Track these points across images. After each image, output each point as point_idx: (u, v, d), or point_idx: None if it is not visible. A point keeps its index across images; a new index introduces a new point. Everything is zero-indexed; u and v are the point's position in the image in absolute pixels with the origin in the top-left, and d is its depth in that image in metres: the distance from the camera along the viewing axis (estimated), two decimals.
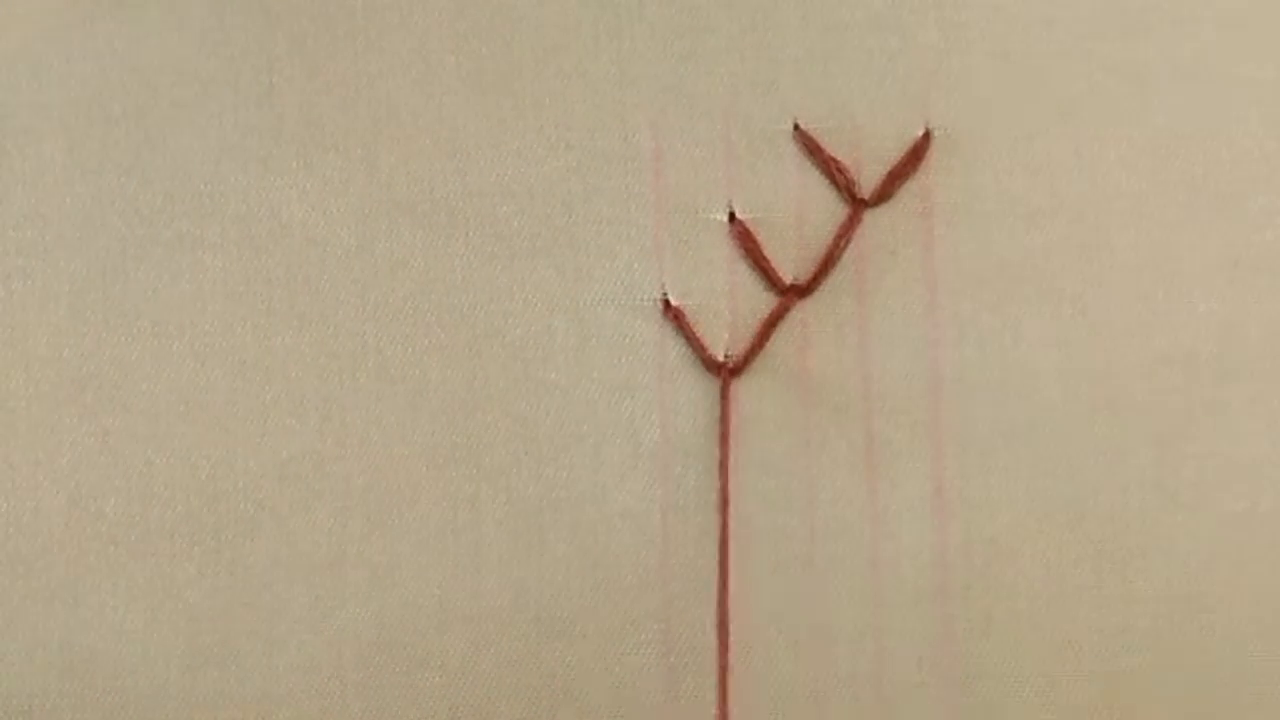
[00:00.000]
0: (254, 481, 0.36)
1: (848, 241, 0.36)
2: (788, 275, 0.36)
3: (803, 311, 0.36)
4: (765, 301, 0.36)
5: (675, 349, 0.36)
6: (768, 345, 0.36)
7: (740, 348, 0.36)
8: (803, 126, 0.37)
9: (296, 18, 0.37)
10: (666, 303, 0.36)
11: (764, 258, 0.36)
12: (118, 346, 0.37)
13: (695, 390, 0.36)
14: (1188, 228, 0.37)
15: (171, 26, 0.37)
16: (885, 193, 0.36)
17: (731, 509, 0.36)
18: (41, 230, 0.37)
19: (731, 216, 0.37)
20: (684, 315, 0.36)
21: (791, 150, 0.37)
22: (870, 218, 0.37)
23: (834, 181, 0.36)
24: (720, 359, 0.36)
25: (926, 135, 0.36)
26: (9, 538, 0.36)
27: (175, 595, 0.36)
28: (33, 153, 0.37)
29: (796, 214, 0.37)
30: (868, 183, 0.36)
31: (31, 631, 0.36)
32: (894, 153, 0.36)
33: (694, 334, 0.36)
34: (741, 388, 0.36)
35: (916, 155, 0.36)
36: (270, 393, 0.36)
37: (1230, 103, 0.37)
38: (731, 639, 0.36)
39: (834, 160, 0.36)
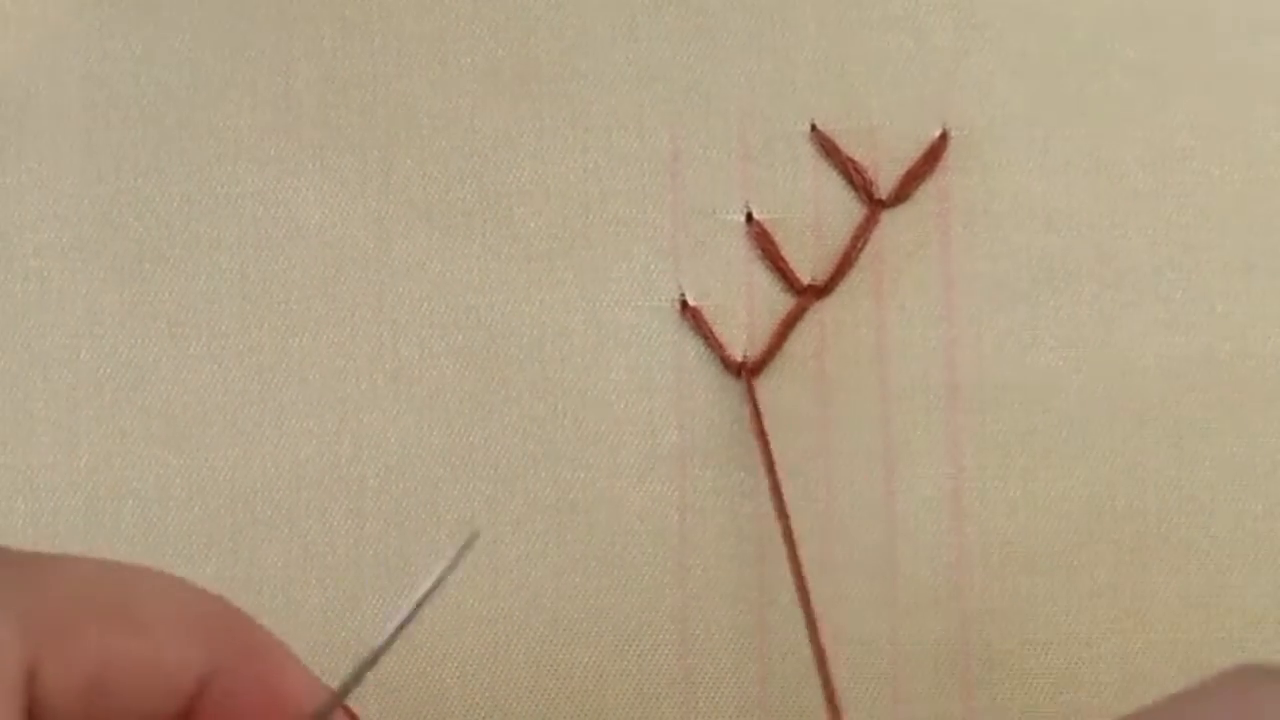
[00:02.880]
0: (270, 483, 0.36)
1: (865, 242, 0.36)
2: (805, 276, 0.36)
3: (820, 312, 0.36)
4: (783, 302, 0.36)
5: (693, 349, 0.36)
6: (785, 346, 0.36)
7: (758, 348, 0.36)
8: (820, 127, 0.37)
9: (313, 21, 0.37)
10: (684, 303, 0.36)
11: (781, 258, 0.36)
12: (135, 348, 0.37)
13: (713, 391, 0.36)
14: (1204, 229, 0.37)
15: (188, 29, 0.37)
16: (903, 193, 0.36)
17: (751, 508, 0.36)
18: (59, 232, 0.37)
19: (749, 217, 0.37)
20: (702, 316, 0.36)
21: (809, 151, 0.37)
22: (888, 218, 0.36)
23: (851, 182, 0.36)
24: (738, 359, 0.36)
25: (943, 136, 0.37)
26: (27, 539, 0.36)
27: None
28: (50, 155, 0.37)
29: (814, 215, 0.37)
30: (885, 183, 0.36)
31: None
32: (911, 153, 0.36)
33: (712, 334, 0.36)
34: (759, 388, 0.36)
35: (934, 156, 0.36)
36: (287, 394, 0.36)
37: (1247, 103, 0.37)
38: (753, 638, 0.36)
39: (851, 161, 0.36)
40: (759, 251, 0.37)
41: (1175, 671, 0.35)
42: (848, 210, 0.37)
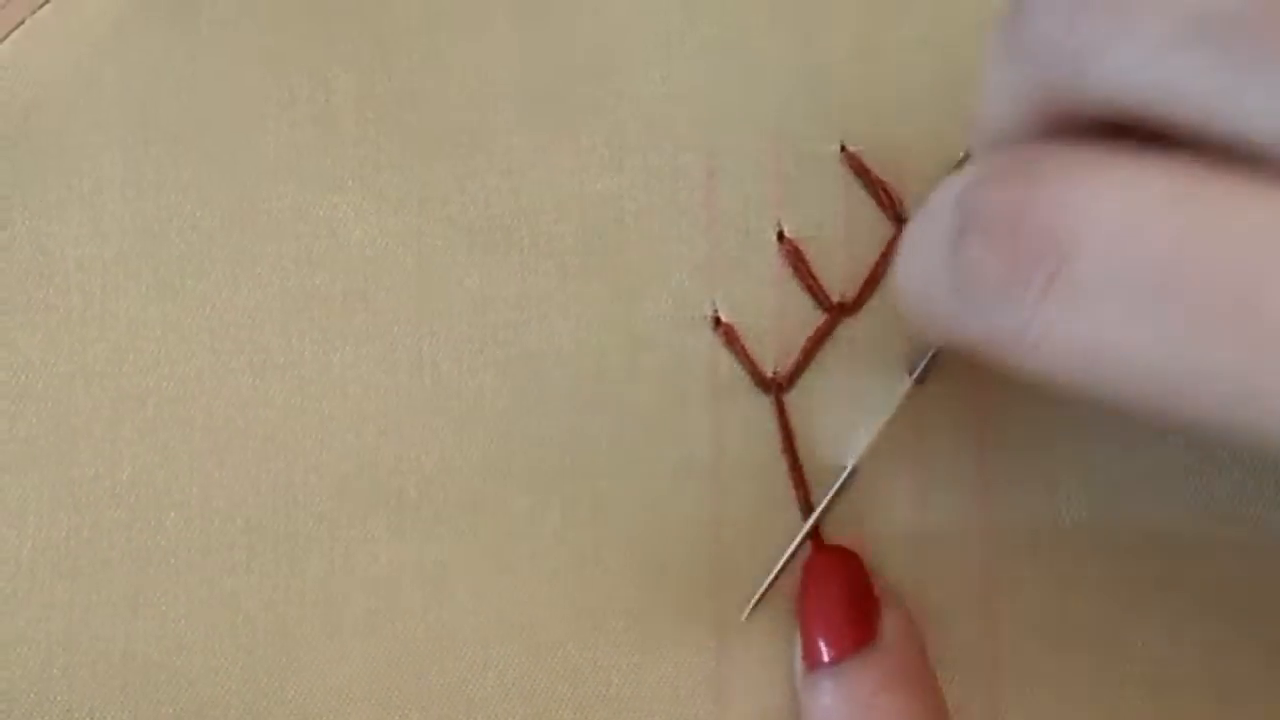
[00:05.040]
0: (312, 494, 0.37)
1: (893, 260, 0.37)
2: (835, 293, 0.37)
3: (850, 328, 0.37)
4: (814, 318, 0.37)
5: (726, 364, 0.37)
6: (815, 361, 0.37)
7: (789, 363, 0.37)
8: (850, 148, 0.37)
9: (352, 39, 0.38)
10: (717, 319, 0.37)
11: (812, 275, 0.37)
12: (177, 362, 0.37)
13: (746, 405, 0.37)
14: None
15: (229, 47, 0.38)
16: None
17: (784, 521, 0.37)
18: (101, 247, 0.37)
19: (781, 235, 0.37)
20: (734, 331, 0.37)
21: (839, 171, 0.37)
22: None
23: (880, 202, 0.37)
24: (769, 374, 0.37)
25: (969, 157, 0.37)
26: (71, 551, 0.36)
27: (234, 607, 0.36)
28: (91, 170, 0.37)
29: (844, 233, 0.37)
30: (913, 203, 0.37)
31: (93, 643, 0.36)
32: (938, 174, 0.37)
33: (743, 350, 0.37)
34: (790, 402, 0.37)
35: None
36: (328, 407, 0.37)
37: None
38: (788, 647, 0.36)
39: (881, 181, 0.37)
40: (791, 269, 0.37)
41: (1207, 674, 0.36)
42: (877, 229, 0.37)
